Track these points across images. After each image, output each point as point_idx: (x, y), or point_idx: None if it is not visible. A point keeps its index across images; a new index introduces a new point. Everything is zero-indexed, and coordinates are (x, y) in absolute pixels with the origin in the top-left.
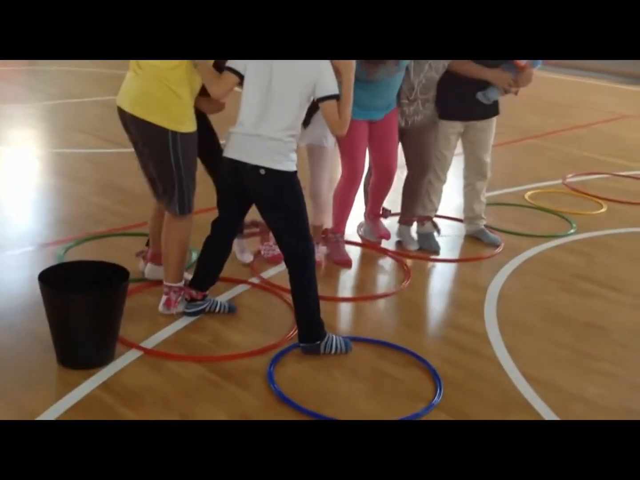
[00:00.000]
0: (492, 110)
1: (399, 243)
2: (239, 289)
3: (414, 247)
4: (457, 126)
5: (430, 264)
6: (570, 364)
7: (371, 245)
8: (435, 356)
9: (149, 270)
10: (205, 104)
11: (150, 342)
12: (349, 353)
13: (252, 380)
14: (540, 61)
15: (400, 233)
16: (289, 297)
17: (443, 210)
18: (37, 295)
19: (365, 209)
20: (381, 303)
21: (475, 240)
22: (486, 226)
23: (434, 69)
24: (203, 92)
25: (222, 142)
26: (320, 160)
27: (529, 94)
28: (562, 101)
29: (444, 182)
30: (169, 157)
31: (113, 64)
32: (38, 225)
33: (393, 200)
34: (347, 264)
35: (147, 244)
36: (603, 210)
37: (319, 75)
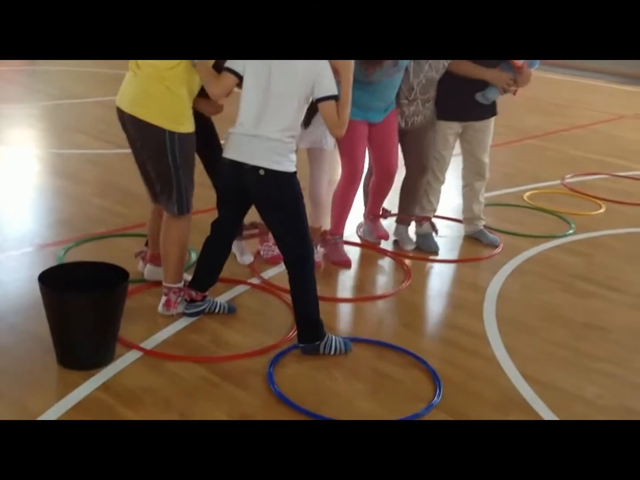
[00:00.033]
0: (490, 110)
1: (395, 242)
2: (239, 289)
3: (410, 246)
4: (455, 127)
5: (429, 264)
6: (569, 364)
7: (370, 246)
8: (435, 356)
9: (148, 271)
10: (203, 105)
11: (150, 343)
12: (348, 353)
13: (251, 381)
14: (538, 61)
15: (397, 232)
16: (288, 298)
17: (442, 211)
18: (37, 296)
19: (365, 209)
20: (380, 303)
21: (474, 240)
22: (485, 227)
23: (434, 69)
24: (202, 93)
25: (222, 142)
26: (320, 162)
27: (528, 95)
28: (560, 101)
29: (442, 182)
30: (166, 157)
31: (113, 64)
32: (38, 226)
33: (393, 200)
34: (347, 264)
35: (146, 244)
36: (602, 210)
37: (317, 75)
